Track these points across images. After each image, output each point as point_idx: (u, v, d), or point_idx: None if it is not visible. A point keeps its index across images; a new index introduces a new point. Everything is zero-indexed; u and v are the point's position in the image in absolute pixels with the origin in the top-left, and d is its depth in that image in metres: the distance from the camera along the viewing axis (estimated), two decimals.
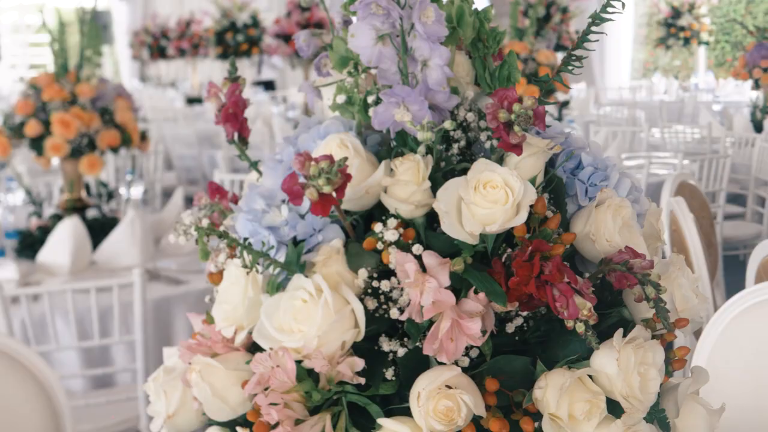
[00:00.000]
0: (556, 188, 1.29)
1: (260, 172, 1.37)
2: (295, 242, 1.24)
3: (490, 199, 1.17)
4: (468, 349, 1.20)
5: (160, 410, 1.33)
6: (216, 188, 1.45)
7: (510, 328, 1.23)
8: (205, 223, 1.36)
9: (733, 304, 2.41)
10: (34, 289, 3.61)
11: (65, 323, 3.83)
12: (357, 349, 1.21)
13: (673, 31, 16.94)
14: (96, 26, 5.06)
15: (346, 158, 1.13)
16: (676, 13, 16.92)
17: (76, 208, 4.93)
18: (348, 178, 1.15)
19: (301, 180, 1.15)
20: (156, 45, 19.27)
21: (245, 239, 1.23)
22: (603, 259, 1.24)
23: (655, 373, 1.20)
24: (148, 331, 3.77)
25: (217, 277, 1.34)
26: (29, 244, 4.72)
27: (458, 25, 1.29)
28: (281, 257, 1.23)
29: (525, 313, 1.23)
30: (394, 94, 1.21)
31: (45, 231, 4.72)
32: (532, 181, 1.24)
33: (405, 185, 1.21)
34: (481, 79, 1.33)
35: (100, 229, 4.80)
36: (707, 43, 17.54)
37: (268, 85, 19.19)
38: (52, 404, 2.61)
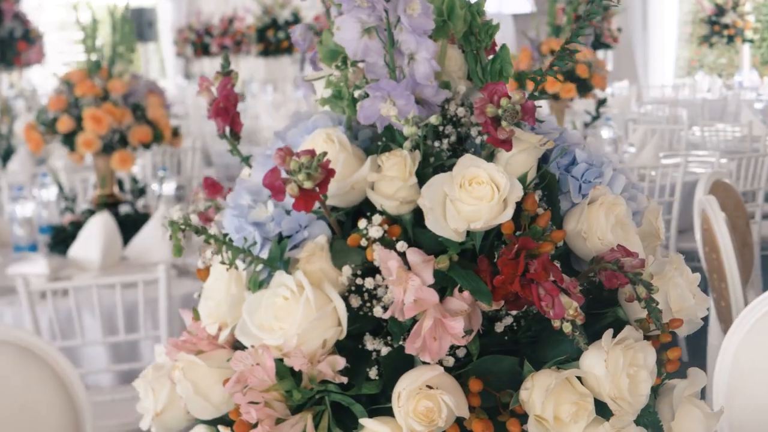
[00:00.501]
0: (549, 185, 1.25)
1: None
2: (281, 238, 1.22)
3: (475, 196, 1.15)
4: (455, 348, 1.18)
5: (148, 407, 1.32)
6: (211, 183, 1.44)
7: (499, 327, 1.20)
8: (194, 218, 1.34)
9: (760, 303, 2.36)
10: (61, 284, 3.62)
11: (92, 318, 3.84)
12: (341, 347, 1.18)
13: (717, 28, 16.77)
14: (129, 23, 5.07)
15: (325, 153, 1.11)
16: (720, 11, 16.74)
17: (108, 203, 4.95)
18: (330, 173, 1.13)
19: (284, 175, 1.13)
20: (199, 42, 19.34)
21: (225, 235, 1.21)
22: (594, 258, 1.21)
23: (645, 375, 1.17)
24: (174, 326, 3.77)
25: (204, 273, 1.32)
26: (62, 239, 4.74)
27: (449, 18, 1.26)
28: (266, 254, 1.21)
29: (515, 313, 1.20)
30: (379, 88, 1.18)
31: (77, 226, 4.73)
32: (524, 177, 1.21)
33: (391, 181, 1.18)
34: (473, 73, 1.30)
35: (131, 225, 4.81)
36: (752, 41, 17.34)
37: None
38: (72, 400, 2.61)
